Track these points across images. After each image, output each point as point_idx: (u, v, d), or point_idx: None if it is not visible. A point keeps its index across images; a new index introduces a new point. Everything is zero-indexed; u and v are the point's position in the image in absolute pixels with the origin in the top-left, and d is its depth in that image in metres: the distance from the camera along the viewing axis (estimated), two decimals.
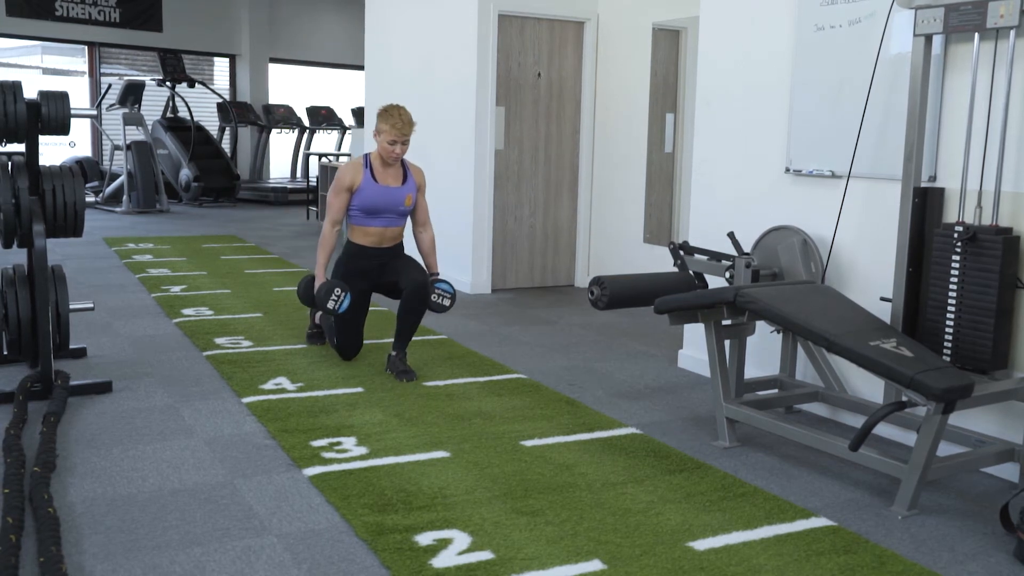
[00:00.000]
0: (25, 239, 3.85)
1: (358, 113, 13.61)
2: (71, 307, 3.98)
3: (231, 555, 2.53)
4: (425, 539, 2.64)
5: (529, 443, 3.50)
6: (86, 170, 12.69)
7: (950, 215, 3.45)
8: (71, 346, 4.40)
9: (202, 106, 13.78)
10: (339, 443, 3.44)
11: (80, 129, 13.52)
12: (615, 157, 6.89)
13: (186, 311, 5.67)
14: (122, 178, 11.56)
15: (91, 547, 2.54)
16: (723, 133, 4.53)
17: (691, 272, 4.24)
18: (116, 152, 12.03)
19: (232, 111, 13.71)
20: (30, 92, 3.96)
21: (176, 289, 6.42)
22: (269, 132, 14.44)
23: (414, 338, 4.90)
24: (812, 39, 3.99)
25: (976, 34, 3.27)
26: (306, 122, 14.44)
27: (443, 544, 2.61)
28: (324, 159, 11.88)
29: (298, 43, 15.42)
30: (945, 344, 3.33)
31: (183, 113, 13.15)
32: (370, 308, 5.03)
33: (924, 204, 3.47)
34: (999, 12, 3.14)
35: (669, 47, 6.54)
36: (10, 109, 3.82)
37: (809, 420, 3.94)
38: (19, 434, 3.30)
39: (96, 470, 3.11)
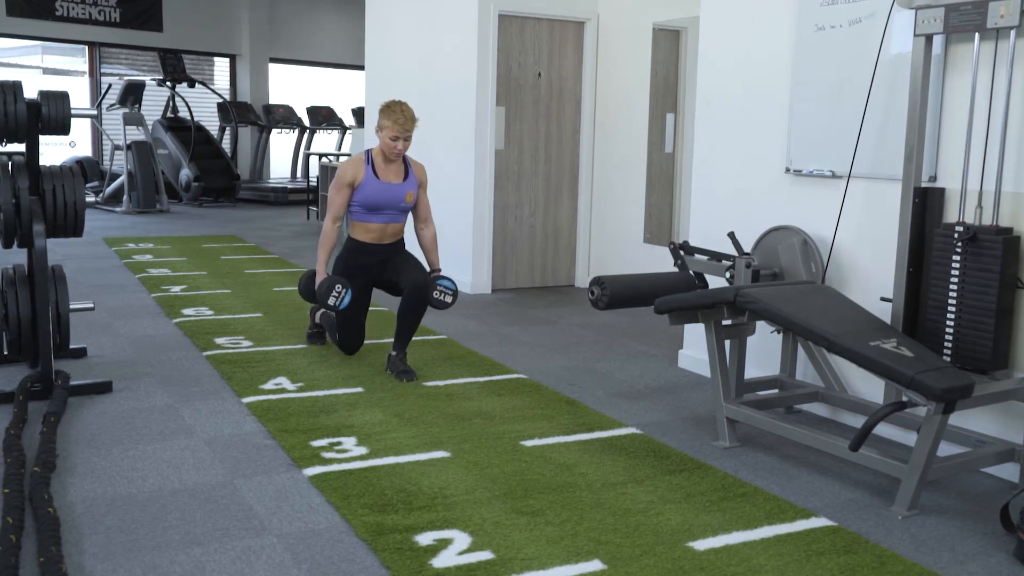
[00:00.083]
0: (25, 239, 3.85)
1: (358, 113, 13.61)
2: (71, 307, 3.98)
3: (231, 555, 2.53)
4: (425, 539, 2.64)
5: (529, 443, 3.50)
6: (86, 170, 12.69)
7: (950, 215, 3.45)
8: (71, 346, 4.39)
9: (202, 106, 13.78)
10: (339, 443, 3.44)
11: (80, 129, 13.52)
12: (615, 157, 6.89)
13: (186, 311, 5.67)
14: (122, 178, 11.56)
15: (91, 547, 2.54)
16: (723, 133, 4.53)
17: (691, 272, 4.24)
18: (116, 152, 12.04)
19: (232, 111, 13.71)
20: (30, 92, 3.96)
21: (176, 289, 6.42)
22: (269, 132, 14.44)
23: (414, 338, 4.90)
24: (812, 39, 3.99)
25: (976, 34, 3.27)
26: (306, 122, 14.45)
27: (443, 544, 2.61)
28: (324, 159, 11.88)
29: (298, 43, 15.42)
30: (945, 344, 3.33)
31: (183, 113, 13.15)
32: (370, 308, 5.03)
33: (924, 204, 3.47)
34: (999, 12, 3.14)
35: (669, 47, 6.54)
36: (10, 109, 3.81)
37: (809, 420, 3.94)
38: (19, 434, 3.30)
39: (96, 470, 3.11)
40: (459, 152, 6.79)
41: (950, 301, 3.31)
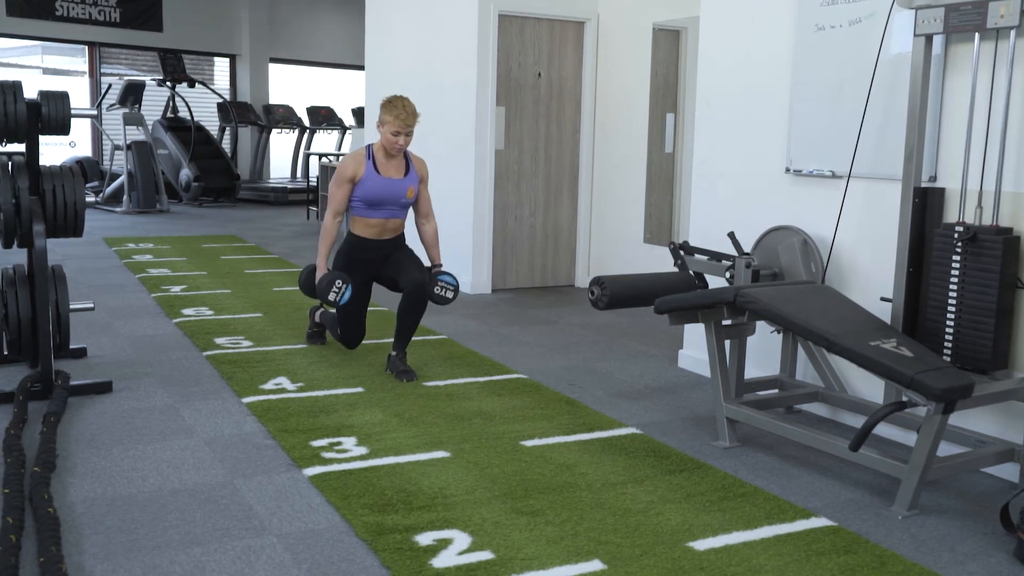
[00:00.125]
0: (25, 239, 3.85)
1: (358, 113, 13.61)
2: (71, 307, 3.98)
3: (231, 555, 2.53)
4: (425, 539, 2.64)
5: (529, 443, 3.50)
6: (86, 170, 12.69)
7: (950, 215, 3.45)
8: (71, 346, 4.39)
9: (202, 106, 13.78)
10: (339, 443, 3.44)
11: (80, 129, 13.52)
12: (615, 157, 6.89)
13: (186, 311, 5.67)
14: (122, 178, 11.56)
15: (91, 547, 2.54)
16: (723, 133, 4.53)
17: (691, 272, 4.24)
18: (116, 152, 12.04)
19: (232, 111, 13.71)
20: (30, 92, 3.96)
21: (176, 289, 6.42)
22: (269, 132, 14.44)
23: (414, 338, 4.90)
24: (812, 39, 3.99)
25: (976, 34, 3.27)
26: (306, 122, 14.45)
27: (443, 544, 2.61)
28: (324, 159, 11.88)
29: (298, 43, 15.42)
30: (945, 344, 3.33)
31: (183, 113, 13.15)
32: (371, 308, 5.03)
33: (924, 204, 3.47)
34: (999, 12, 3.14)
35: (669, 47, 6.54)
36: (10, 109, 3.81)
37: (809, 420, 3.94)
38: (19, 434, 3.30)
39: (96, 470, 3.11)
40: (459, 152, 6.79)
41: (950, 301, 3.31)
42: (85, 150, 13.76)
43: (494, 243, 6.83)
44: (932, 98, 3.47)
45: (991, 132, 3.27)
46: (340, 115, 14.57)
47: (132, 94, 11.74)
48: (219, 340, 4.95)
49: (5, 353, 4.08)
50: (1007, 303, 3.21)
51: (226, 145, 14.11)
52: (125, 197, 11.44)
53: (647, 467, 3.29)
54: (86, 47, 13.65)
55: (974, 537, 2.80)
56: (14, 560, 2.37)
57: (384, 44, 8.00)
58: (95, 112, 12.54)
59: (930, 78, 3.45)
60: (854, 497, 3.09)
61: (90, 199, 12.00)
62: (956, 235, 3.27)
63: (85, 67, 13.79)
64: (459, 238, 6.75)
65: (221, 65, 15.07)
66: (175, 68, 12.99)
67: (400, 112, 4.23)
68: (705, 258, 4.22)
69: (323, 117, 14.40)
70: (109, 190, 11.94)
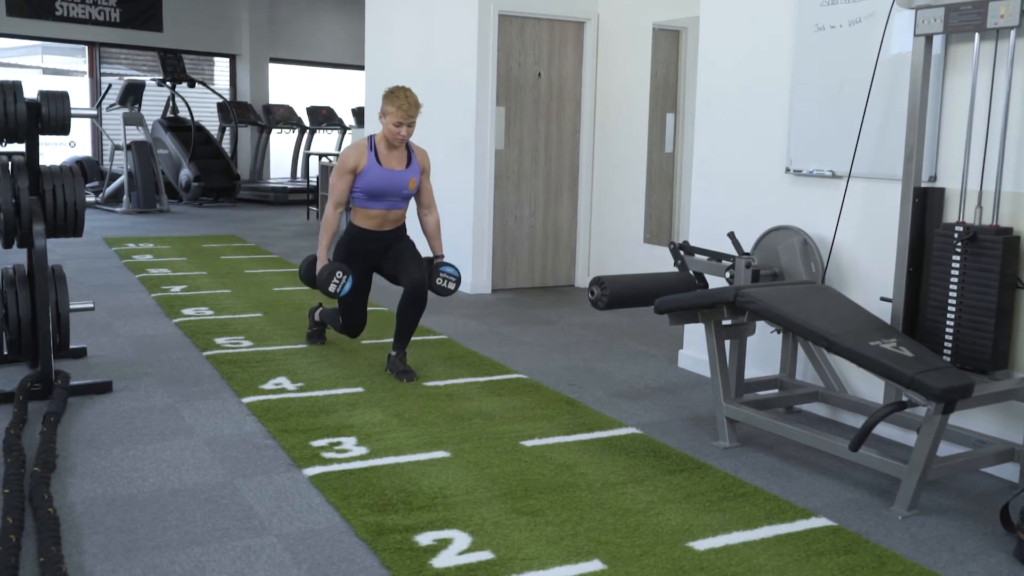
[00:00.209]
0: (25, 239, 3.85)
1: (358, 113, 13.61)
2: (71, 307, 3.98)
3: (231, 555, 2.53)
4: (425, 539, 2.64)
5: (529, 443, 3.50)
6: (86, 170, 12.69)
7: (950, 215, 3.45)
8: (71, 346, 4.39)
9: (202, 106, 13.78)
10: (339, 443, 3.44)
11: (80, 129, 13.52)
12: (615, 157, 6.89)
13: (186, 311, 5.67)
14: (122, 178, 11.56)
15: (91, 547, 2.54)
16: (723, 133, 4.53)
17: (691, 272, 4.24)
18: (116, 152, 12.04)
19: (232, 111, 13.71)
20: (30, 92, 3.96)
21: (176, 289, 6.42)
22: (269, 132, 14.44)
23: (414, 338, 4.90)
24: (812, 39, 3.99)
25: (976, 34, 3.27)
26: (306, 122, 14.45)
27: (443, 544, 2.61)
28: (324, 159, 11.88)
29: (298, 43, 15.42)
30: (945, 344, 3.33)
31: (183, 113, 13.15)
32: (371, 309, 5.03)
33: (924, 204, 3.47)
34: (999, 12, 3.14)
35: (669, 47, 6.54)
36: (10, 109, 3.81)
37: (809, 420, 3.94)
38: (19, 434, 3.30)
39: (96, 470, 3.11)
40: (459, 152, 6.78)
41: (950, 301, 3.31)
42: (85, 150, 13.76)
43: (494, 243, 6.83)
44: (932, 98, 3.47)
45: (991, 132, 3.27)
46: (340, 115, 14.57)
47: (132, 94, 11.74)
48: (219, 340, 4.95)
49: (5, 353, 4.08)
50: (1007, 303, 3.21)
51: (226, 145, 14.11)
52: (125, 197, 11.44)
53: (647, 467, 3.29)
54: (86, 47, 13.65)
55: (974, 537, 2.80)
56: (14, 560, 2.37)
57: (384, 44, 8.00)
58: (95, 112, 12.54)
59: (930, 78, 3.45)
60: (854, 497, 3.09)
61: (90, 199, 12.00)
62: (956, 235, 3.27)
63: (85, 67, 13.79)
64: (459, 238, 6.75)
65: (221, 65, 15.07)
66: (175, 68, 12.99)
67: (402, 102, 4.20)
68: (705, 258, 4.22)
69: (323, 117, 14.40)
70: (109, 190, 11.94)
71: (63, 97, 4.00)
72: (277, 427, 3.59)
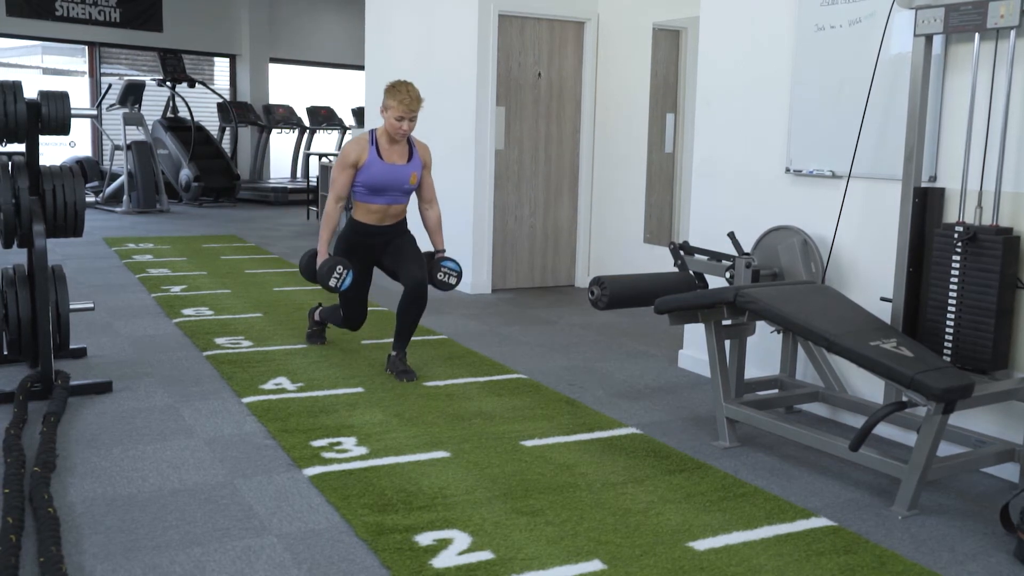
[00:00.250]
0: (25, 239, 3.85)
1: (358, 113, 13.61)
2: (71, 307, 3.98)
3: (231, 555, 2.53)
4: (425, 539, 2.64)
5: (529, 443, 3.50)
6: (86, 170, 12.69)
7: (950, 215, 3.45)
8: (71, 346, 4.39)
9: (202, 106, 13.78)
10: (339, 443, 3.44)
11: (80, 129, 13.52)
12: (615, 157, 6.89)
13: (186, 311, 5.67)
14: (122, 178, 11.56)
15: (91, 547, 2.54)
16: (723, 133, 4.53)
17: (691, 272, 4.24)
18: (116, 152, 12.04)
19: (232, 111, 13.71)
20: (30, 92, 3.96)
21: (176, 289, 6.42)
22: (269, 132, 14.44)
23: (414, 338, 4.90)
24: (812, 39, 3.99)
25: (976, 34, 3.27)
26: (306, 122, 14.44)
27: (443, 544, 2.61)
28: (324, 159, 11.88)
29: (298, 43, 15.42)
30: (945, 344, 3.33)
31: (183, 113, 13.15)
32: (371, 309, 5.02)
33: (924, 204, 3.47)
34: (999, 12, 3.14)
35: (669, 47, 6.54)
36: (10, 109, 3.81)
37: (809, 420, 3.94)
38: (19, 434, 3.30)
39: (96, 470, 3.11)
40: (459, 152, 6.78)
41: (950, 301, 3.31)
42: (85, 150, 13.76)
43: (494, 243, 6.83)
44: (932, 98, 3.48)
45: (991, 132, 3.27)
46: (340, 115, 14.57)
47: (132, 94, 11.74)
48: (219, 340, 4.95)
49: (5, 353, 4.08)
50: (1007, 303, 3.21)
51: (226, 145, 14.11)
52: (125, 197, 11.44)
53: (647, 467, 3.29)
54: (86, 47, 13.65)
55: (974, 537, 2.80)
56: (14, 560, 2.37)
57: (384, 44, 8.01)
58: (95, 112, 12.54)
59: (930, 78, 3.45)
60: (854, 497, 3.09)
61: (90, 199, 12.00)
62: (956, 235, 3.27)
63: (85, 67, 13.79)
64: (459, 238, 6.74)
65: (221, 65, 15.06)
66: (175, 68, 12.99)
67: (404, 97, 4.17)
68: (705, 258, 4.22)
69: (323, 117, 14.40)
70: (109, 190, 11.94)
71: (63, 97, 4.00)
72: (277, 427, 3.59)
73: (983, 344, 3.22)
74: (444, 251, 4.52)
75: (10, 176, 3.79)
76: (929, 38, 3.40)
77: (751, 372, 4.17)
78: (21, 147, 3.98)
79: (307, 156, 13.68)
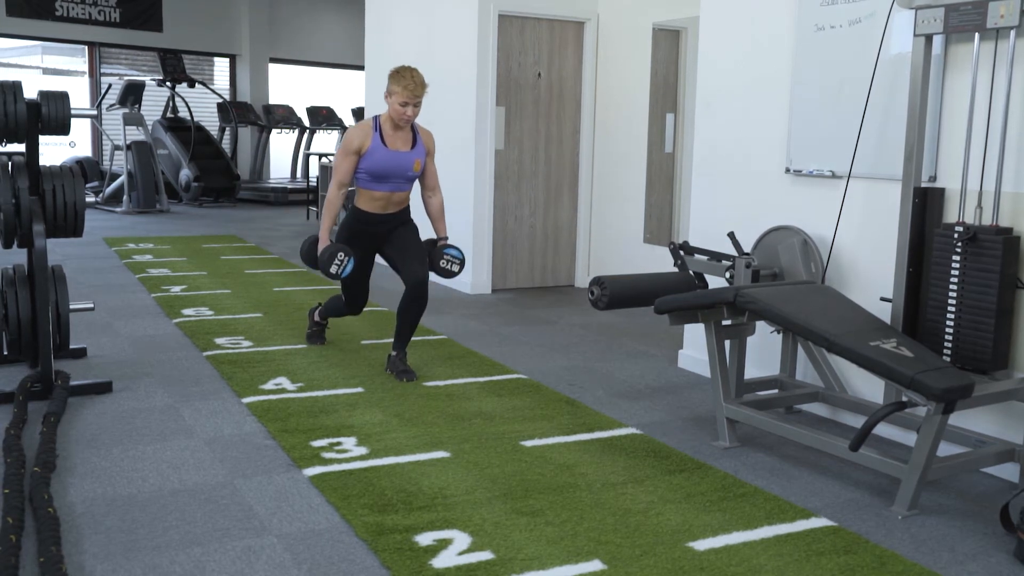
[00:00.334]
0: (25, 239, 3.85)
1: (358, 113, 13.61)
2: (71, 307, 3.98)
3: (231, 555, 2.53)
4: (425, 539, 2.64)
5: (529, 443, 3.50)
6: (86, 170, 12.69)
7: (950, 215, 3.45)
8: (71, 346, 4.39)
9: (202, 106, 13.78)
10: (339, 443, 3.44)
11: (80, 129, 13.52)
12: (615, 157, 6.89)
13: (186, 311, 5.67)
14: (122, 178, 11.56)
15: (91, 547, 2.54)
16: (723, 133, 4.53)
17: (691, 272, 4.24)
18: (116, 152, 12.04)
19: (232, 111, 13.71)
20: (30, 92, 3.96)
21: (176, 289, 6.42)
22: (269, 132, 14.44)
23: (414, 338, 4.90)
24: (812, 39, 3.99)
25: (976, 34, 3.27)
26: (306, 122, 14.44)
27: (443, 544, 2.61)
28: (324, 159, 11.88)
29: (298, 43, 15.42)
30: (945, 344, 3.33)
31: (183, 113, 13.15)
32: (371, 309, 5.02)
33: (924, 204, 3.47)
34: (999, 12, 3.14)
35: (669, 47, 6.54)
36: (10, 109, 3.82)
37: (809, 420, 3.94)
38: (19, 434, 3.30)
39: (96, 470, 3.11)
40: (459, 152, 6.78)
41: (950, 301, 3.31)
42: (85, 150, 13.76)
43: (494, 243, 6.83)
44: (932, 98, 3.48)
45: (991, 132, 3.27)
46: (340, 115, 14.57)
47: (132, 94, 11.74)
48: (219, 340, 4.95)
49: (5, 353, 4.08)
50: (1007, 303, 3.21)
51: (226, 145, 14.10)
52: (125, 197, 11.44)
53: (647, 467, 3.29)
54: (86, 47, 13.65)
55: (974, 537, 2.80)
56: (14, 560, 2.37)
57: (384, 44, 8.00)
58: (95, 112, 12.54)
59: (930, 78, 3.45)
60: (854, 497, 3.09)
61: (90, 199, 12.00)
62: (956, 235, 3.27)
63: (85, 67, 13.79)
64: (459, 238, 6.73)
65: (221, 65, 15.06)
66: (175, 68, 12.99)
67: (408, 82, 4.14)
68: (705, 258, 4.22)
69: (323, 117, 14.40)
70: (109, 190, 11.94)
71: (63, 97, 4.00)
72: (277, 427, 3.59)
73: (983, 344, 3.22)
74: (447, 238, 4.50)
75: (10, 176, 3.79)
76: (929, 38, 3.41)
77: (751, 372, 4.17)
78: (21, 147, 3.98)
79: (307, 156, 13.68)
